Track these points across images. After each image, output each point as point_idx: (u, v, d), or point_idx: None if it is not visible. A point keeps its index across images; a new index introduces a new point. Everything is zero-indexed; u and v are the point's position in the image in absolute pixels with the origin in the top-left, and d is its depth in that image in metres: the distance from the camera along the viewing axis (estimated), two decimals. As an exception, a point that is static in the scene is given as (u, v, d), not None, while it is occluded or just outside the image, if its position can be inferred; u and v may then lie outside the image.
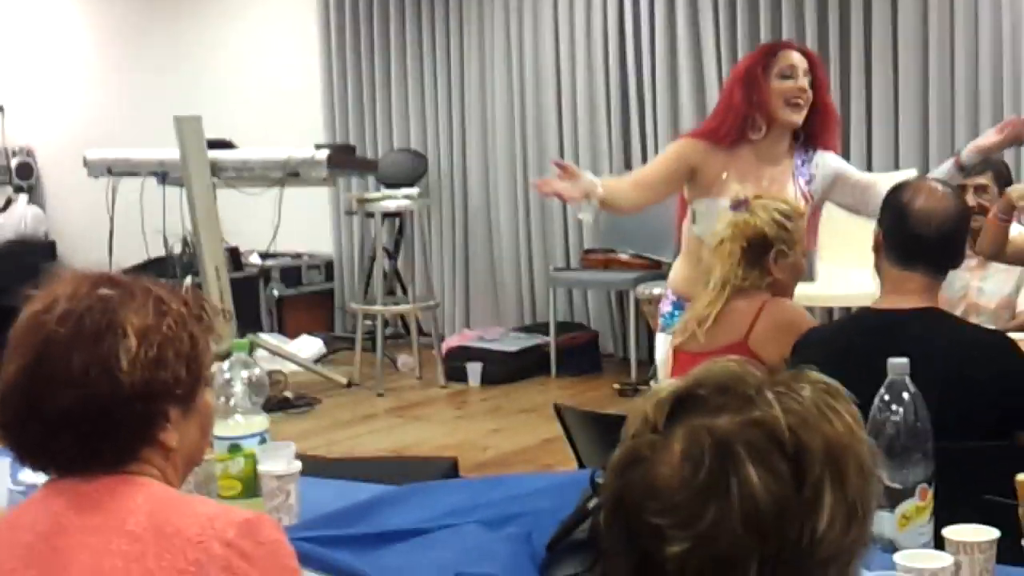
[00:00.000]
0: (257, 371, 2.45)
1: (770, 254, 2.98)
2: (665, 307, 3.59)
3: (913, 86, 6.04)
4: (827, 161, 3.56)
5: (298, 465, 2.37)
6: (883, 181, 3.87)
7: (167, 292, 1.58)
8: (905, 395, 1.86)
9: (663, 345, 3.49)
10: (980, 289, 4.10)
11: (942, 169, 3.69)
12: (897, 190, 2.69)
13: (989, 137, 3.60)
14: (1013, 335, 3.19)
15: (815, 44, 6.22)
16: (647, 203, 3.56)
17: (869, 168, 5.85)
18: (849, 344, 2.61)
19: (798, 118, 3.45)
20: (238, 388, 2.44)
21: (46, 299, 1.52)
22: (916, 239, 2.58)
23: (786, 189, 3.41)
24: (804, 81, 3.44)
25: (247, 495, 2.35)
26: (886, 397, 1.86)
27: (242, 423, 2.41)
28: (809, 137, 3.53)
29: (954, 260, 2.64)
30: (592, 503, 1.98)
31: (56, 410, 1.47)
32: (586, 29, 6.95)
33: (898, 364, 1.86)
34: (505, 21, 7.23)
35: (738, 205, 3.00)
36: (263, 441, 2.41)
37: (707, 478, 1.09)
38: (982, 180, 4.05)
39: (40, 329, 1.50)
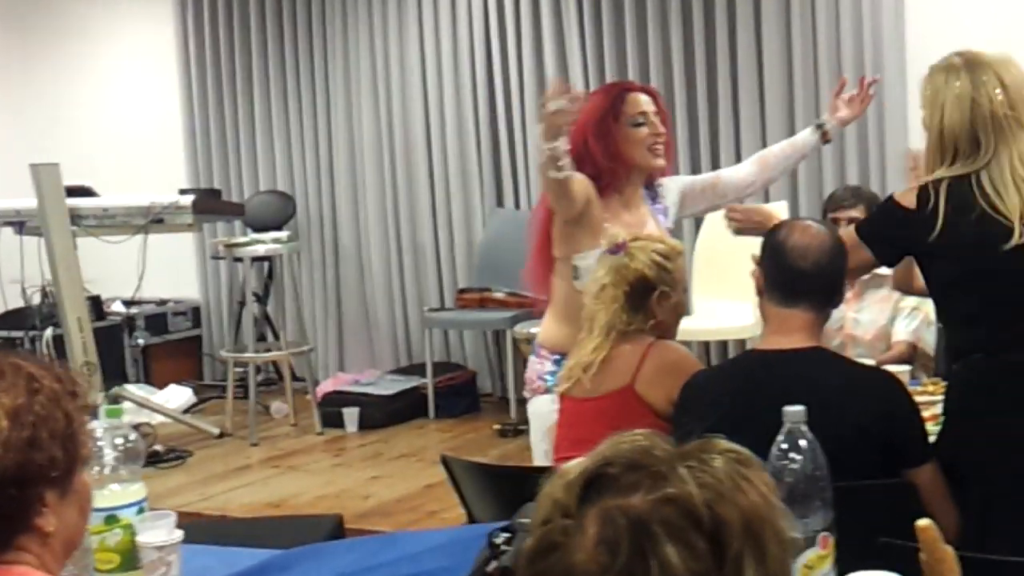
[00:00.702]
0: (132, 436, 2.35)
1: (653, 296, 2.95)
2: (545, 367, 3.34)
3: (779, 118, 6.13)
4: (668, 185, 3.50)
5: (179, 534, 2.27)
6: (725, 171, 3.89)
7: (38, 368, 1.50)
8: (803, 443, 1.84)
9: (546, 407, 3.26)
10: (856, 320, 4.16)
11: (803, 135, 3.66)
12: (773, 230, 2.71)
13: (844, 110, 3.59)
14: (892, 368, 3.25)
15: (681, 75, 6.31)
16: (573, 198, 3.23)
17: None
18: (735, 386, 2.62)
19: (663, 162, 3.37)
20: (111, 455, 2.34)
21: (-93, 381, 1.42)
22: (795, 276, 2.59)
23: (650, 231, 3.31)
24: (657, 123, 3.35)
25: (126, 568, 2.25)
26: (784, 445, 1.84)
27: (118, 492, 2.30)
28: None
29: (835, 295, 2.65)
30: (491, 566, 1.94)
31: None
32: (453, 65, 6.93)
33: (794, 412, 1.85)
34: (371, 59, 7.18)
35: (616, 249, 2.97)
36: (141, 510, 2.31)
37: (626, 562, 1.05)
38: (854, 213, 4.12)
39: None
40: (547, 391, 3.29)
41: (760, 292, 2.68)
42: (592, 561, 1.06)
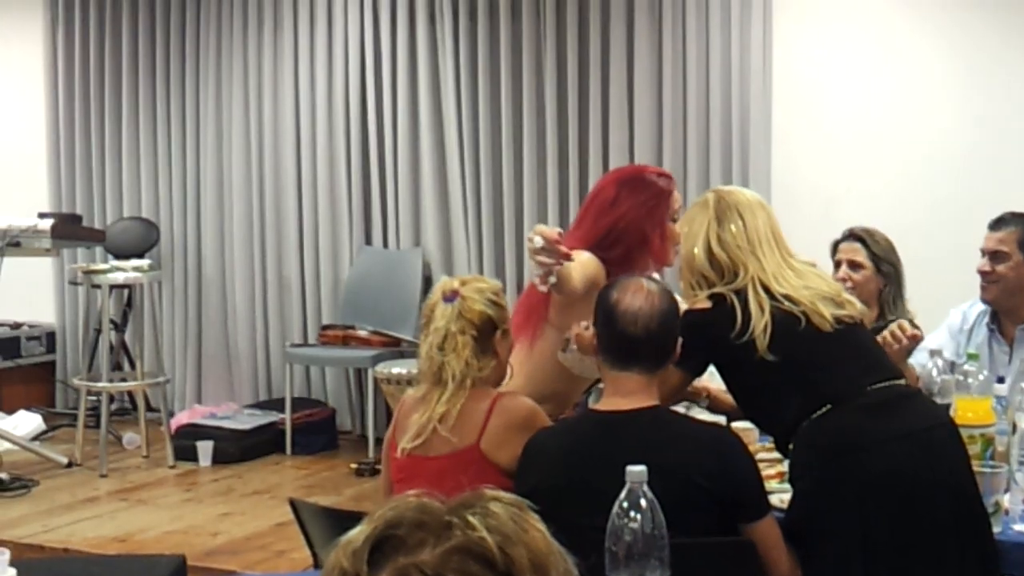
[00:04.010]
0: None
1: (495, 336, 2.92)
2: None
3: (647, 142, 6.23)
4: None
5: (13, 573, 2.20)
6: None
7: None
8: (643, 502, 1.86)
9: None
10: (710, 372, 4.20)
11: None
12: (606, 290, 2.71)
13: None
14: (738, 425, 3.30)
15: (554, 115, 6.38)
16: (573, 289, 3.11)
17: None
18: (575, 446, 2.62)
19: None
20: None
21: None
22: (625, 341, 2.61)
23: None
24: None
25: (-52, 609, 2.17)
26: (624, 504, 1.86)
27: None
28: None
29: (666, 358, 2.66)
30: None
31: None
32: (327, 99, 6.91)
33: (636, 472, 1.87)
34: (244, 89, 7.12)
35: (452, 296, 2.91)
36: (-32, 548, 2.23)
37: None
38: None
39: None
40: None
41: (595, 353, 2.70)
42: None
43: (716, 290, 2.86)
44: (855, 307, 2.90)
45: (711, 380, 4.25)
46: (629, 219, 3.26)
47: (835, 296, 2.88)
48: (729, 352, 2.81)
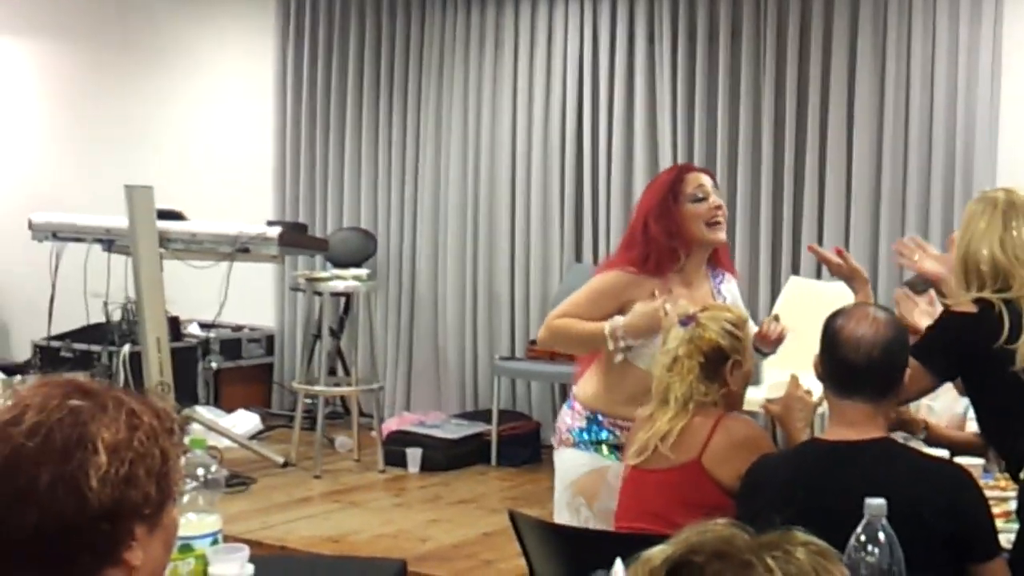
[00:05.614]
0: (213, 468, 2.40)
1: (727, 365, 2.98)
2: (577, 422, 3.41)
3: (865, 203, 6.12)
4: (733, 291, 3.56)
5: (251, 569, 2.30)
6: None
7: (139, 403, 1.53)
8: (881, 536, 1.84)
9: (573, 462, 3.39)
10: (930, 408, 4.11)
11: None
12: (833, 316, 2.67)
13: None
14: (964, 460, 3.21)
15: (770, 135, 6.31)
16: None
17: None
18: (800, 476, 2.59)
19: (722, 235, 3.43)
20: (191, 484, 2.38)
21: (14, 409, 1.46)
22: (846, 368, 2.57)
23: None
24: (717, 197, 3.42)
25: (195, 598, 2.29)
26: (862, 538, 1.85)
27: (194, 521, 2.35)
28: (711, 256, 3.51)
29: (891, 388, 2.61)
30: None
31: (18, 529, 1.41)
32: (544, 118, 6.99)
33: (876, 506, 1.85)
34: (463, 107, 7.26)
35: (687, 321, 3.00)
36: (215, 542, 2.35)
37: None
38: (920, 300, 4.05)
39: (7, 442, 1.43)
40: (575, 445, 3.39)
41: (820, 379, 2.67)
42: None
43: (984, 295, 2.76)
44: None
45: (929, 413, 4.17)
46: (642, 216, 3.41)
47: None
48: (984, 362, 2.73)
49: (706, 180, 3.44)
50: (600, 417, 3.38)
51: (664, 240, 3.36)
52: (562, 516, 3.41)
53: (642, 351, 3.30)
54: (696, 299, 3.34)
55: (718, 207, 3.40)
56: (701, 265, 3.47)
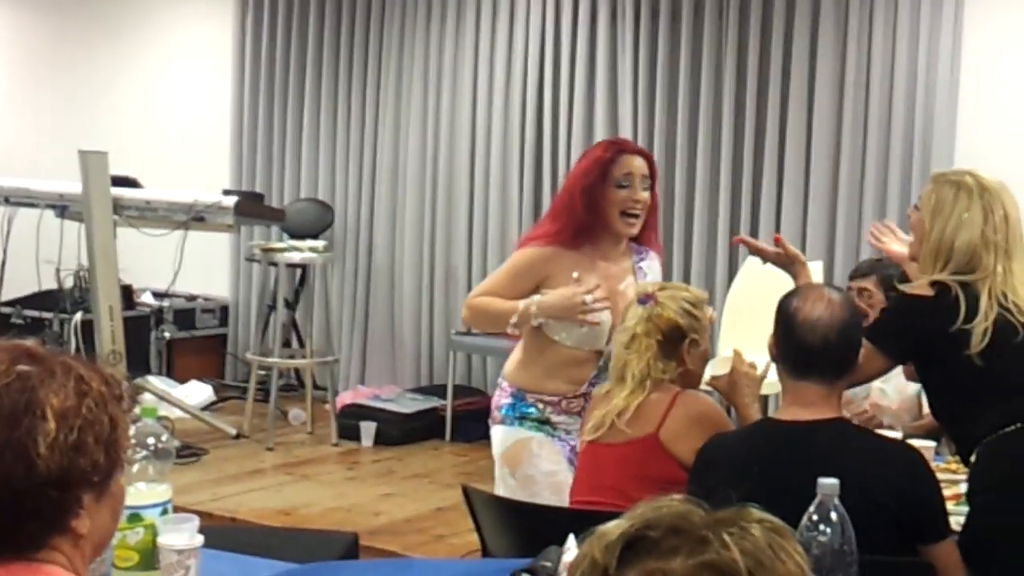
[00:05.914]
0: (164, 438, 2.37)
1: (684, 344, 2.99)
2: (504, 399, 3.45)
3: (826, 155, 6.13)
4: (654, 268, 3.54)
5: (200, 539, 2.28)
6: None
7: (87, 369, 1.50)
8: (833, 516, 1.85)
9: (501, 437, 3.44)
10: (882, 390, 4.14)
11: None
12: (787, 297, 2.68)
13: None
14: (916, 442, 3.23)
15: (731, 114, 6.32)
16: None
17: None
18: (754, 455, 2.59)
19: (633, 230, 3.39)
20: (141, 454, 2.35)
21: (-40, 374, 1.44)
22: (803, 350, 2.58)
23: (629, 284, 3.39)
24: (641, 191, 3.37)
25: (144, 568, 2.26)
26: (814, 517, 1.85)
27: (144, 491, 2.32)
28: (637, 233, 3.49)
29: (845, 369, 2.62)
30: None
31: None
32: (504, 93, 6.96)
33: (828, 485, 1.85)
34: (423, 79, 7.22)
35: (645, 299, 2.99)
36: (165, 511, 2.32)
37: None
38: (865, 283, 4.12)
39: None
40: (502, 422, 3.44)
41: (775, 360, 2.68)
42: None
43: (942, 278, 2.75)
44: None
45: (882, 396, 4.20)
46: (568, 186, 3.43)
47: None
48: (938, 346, 2.73)
49: (637, 167, 3.37)
50: (524, 393, 3.40)
51: (583, 215, 3.35)
52: (498, 491, 3.43)
53: (558, 324, 3.31)
54: (612, 275, 3.38)
55: (637, 200, 3.36)
56: (620, 242, 3.45)
